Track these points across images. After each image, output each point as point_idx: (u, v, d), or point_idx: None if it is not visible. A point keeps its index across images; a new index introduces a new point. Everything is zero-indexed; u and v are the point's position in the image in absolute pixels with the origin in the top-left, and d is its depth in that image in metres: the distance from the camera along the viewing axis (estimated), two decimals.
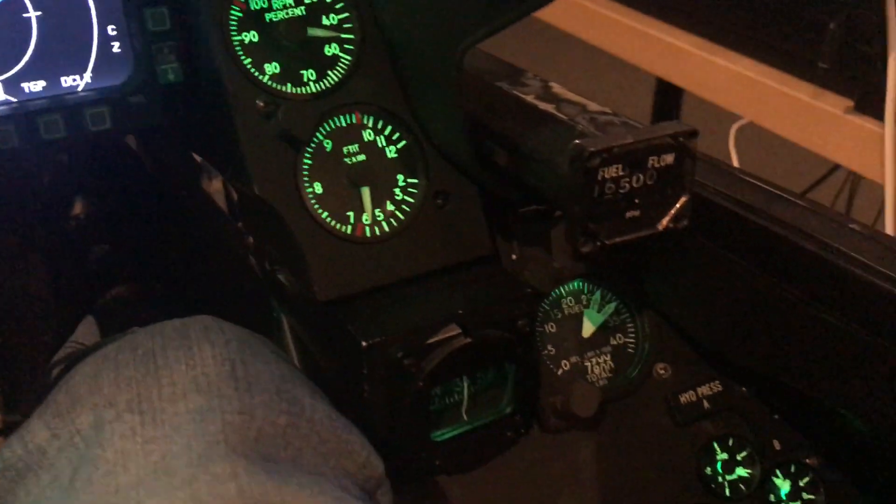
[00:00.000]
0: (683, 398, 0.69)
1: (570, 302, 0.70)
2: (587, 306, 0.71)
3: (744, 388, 0.69)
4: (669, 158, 0.53)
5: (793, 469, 0.68)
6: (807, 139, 1.14)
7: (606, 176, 0.52)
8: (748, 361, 0.66)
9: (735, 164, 1.47)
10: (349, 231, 0.60)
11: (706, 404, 0.69)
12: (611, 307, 0.71)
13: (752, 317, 0.62)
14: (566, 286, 0.70)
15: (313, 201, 0.60)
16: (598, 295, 0.71)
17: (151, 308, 1.00)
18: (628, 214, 0.54)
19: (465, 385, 0.61)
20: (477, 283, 0.62)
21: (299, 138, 0.58)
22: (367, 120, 0.62)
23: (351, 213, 0.61)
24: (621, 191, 0.53)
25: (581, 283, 0.70)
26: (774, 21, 1.16)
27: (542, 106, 0.58)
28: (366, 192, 0.61)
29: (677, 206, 0.55)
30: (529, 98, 0.59)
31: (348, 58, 0.61)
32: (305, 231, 0.59)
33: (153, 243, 0.94)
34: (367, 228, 0.61)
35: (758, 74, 1.17)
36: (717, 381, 0.70)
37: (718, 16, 1.24)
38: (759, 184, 0.62)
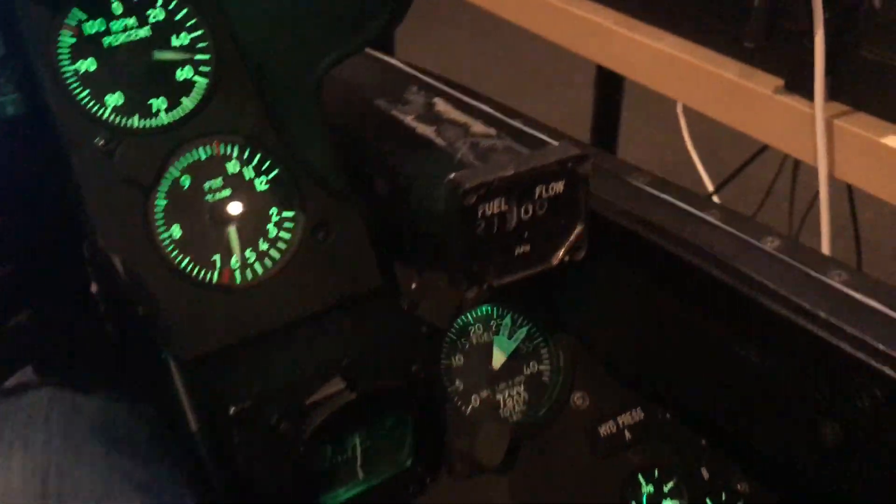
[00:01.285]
0: (603, 429, 0.64)
1: (479, 330, 0.65)
2: (497, 333, 0.65)
3: (668, 415, 0.65)
4: (559, 186, 0.48)
5: (724, 497, 0.64)
6: (738, 120, 1.09)
7: (488, 211, 0.46)
8: (667, 390, 0.61)
9: (684, 132, 1.43)
10: (215, 278, 0.54)
11: (628, 434, 0.64)
12: (522, 332, 0.65)
13: (665, 343, 0.57)
14: (473, 313, 0.64)
15: (171, 248, 0.53)
16: (508, 320, 0.65)
17: (54, 335, 0.93)
18: (518, 250, 0.48)
19: (357, 441, 0.55)
20: (365, 325, 0.56)
21: (142, 179, 0.51)
22: (230, 150, 0.55)
23: (217, 257, 0.54)
24: (508, 225, 0.47)
25: (489, 309, 0.65)
26: None
27: (421, 129, 0.51)
28: (233, 232, 0.54)
29: (572, 237, 0.49)
30: (409, 119, 0.53)
31: (204, 81, 0.54)
32: (163, 283, 0.52)
33: (56, 265, 0.87)
34: (237, 273, 0.54)
35: (685, 53, 1.11)
36: (639, 408, 0.65)
37: None
38: (669, 199, 0.57)
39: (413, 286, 0.62)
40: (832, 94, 0.96)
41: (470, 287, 0.47)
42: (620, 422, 0.65)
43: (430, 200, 0.47)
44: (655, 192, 0.58)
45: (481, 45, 2.84)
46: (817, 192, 1.46)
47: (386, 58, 0.72)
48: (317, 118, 0.48)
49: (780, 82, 1.02)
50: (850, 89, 0.96)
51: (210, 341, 0.53)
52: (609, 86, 1.70)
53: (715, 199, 1.62)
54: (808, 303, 0.47)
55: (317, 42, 0.46)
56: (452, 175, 0.45)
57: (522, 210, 0.47)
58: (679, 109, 1.38)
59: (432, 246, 0.52)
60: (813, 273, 0.50)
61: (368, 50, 0.74)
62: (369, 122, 0.54)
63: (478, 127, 0.51)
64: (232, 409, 0.50)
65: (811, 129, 0.99)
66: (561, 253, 0.49)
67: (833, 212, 1.00)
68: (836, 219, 0.99)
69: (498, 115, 0.63)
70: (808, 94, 0.97)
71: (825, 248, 1.02)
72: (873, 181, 0.96)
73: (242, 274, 0.55)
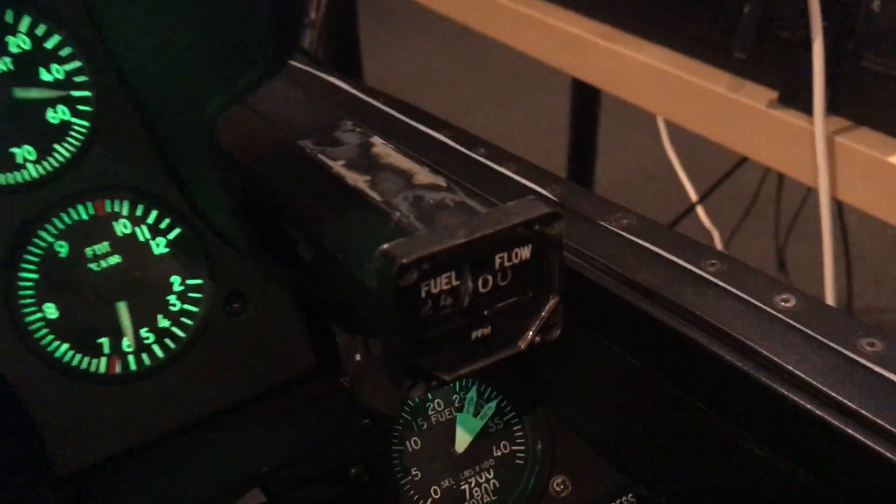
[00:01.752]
0: None
1: (438, 406, 0.54)
2: (461, 410, 0.55)
3: (662, 500, 0.54)
4: (525, 252, 0.37)
5: None
6: (728, 137, 1.00)
7: (434, 290, 0.36)
8: (662, 475, 0.51)
9: (664, 137, 1.34)
10: (102, 367, 0.43)
11: None
12: (491, 408, 0.55)
13: (660, 423, 0.47)
14: None
15: (43, 332, 0.42)
16: (473, 393, 0.55)
17: None
18: (476, 333, 0.38)
19: None
20: (293, 421, 0.45)
21: None
22: (119, 207, 0.44)
23: (104, 341, 0.43)
24: (461, 303, 0.37)
25: None
26: (684, 4, 1.01)
27: (352, 178, 0.41)
28: (123, 308, 0.44)
29: (544, 312, 0.39)
30: (338, 165, 0.42)
31: (84, 124, 0.43)
32: (33, 377, 0.41)
33: None
34: (130, 359, 0.44)
35: (667, 65, 1.02)
36: (631, 495, 0.54)
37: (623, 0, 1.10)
38: (658, 251, 0.46)
39: (357, 357, 0.52)
40: (831, 107, 0.87)
41: (413, 387, 0.36)
42: None
43: (361, 275, 0.37)
44: (641, 242, 0.48)
45: (457, 50, 2.75)
46: (804, 198, 1.37)
47: (327, 77, 0.61)
48: (213, 171, 0.38)
49: (773, 95, 0.93)
50: (852, 103, 0.87)
51: (94, 450, 0.42)
52: (586, 91, 1.61)
53: (699, 209, 1.53)
54: (837, 392, 0.37)
55: (202, 79, 0.35)
56: (385, 246, 0.34)
57: (480, 282, 0.37)
58: (660, 119, 1.30)
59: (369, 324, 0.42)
60: (839, 348, 0.40)
61: (309, 69, 0.64)
62: (291, 169, 0.44)
63: (423, 176, 0.41)
64: None
65: (809, 147, 0.90)
66: (531, 334, 0.39)
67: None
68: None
69: (455, 147, 0.53)
70: (805, 108, 0.89)
71: (827, 276, 0.93)
72: (879, 204, 0.87)
73: (137, 360, 0.44)
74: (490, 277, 0.37)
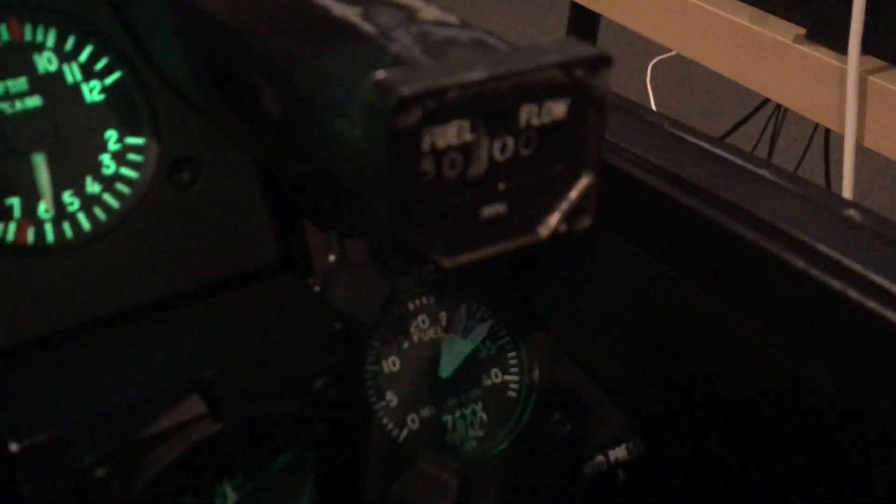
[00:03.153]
0: (590, 466, 0.46)
1: (422, 324, 0.46)
2: (447, 330, 0.47)
3: (676, 447, 0.47)
4: (559, 109, 0.29)
5: None
6: (747, 75, 0.93)
7: (439, 143, 0.27)
8: (681, 415, 0.44)
9: (652, 105, 1.28)
10: (10, 236, 0.34)
11: (622, 474, 0.47)
12: (482, 330, 0.47)
13: (688, 351, 0.39)
14: (414, 300, 0.46)
15: None
16: (462, 311, 0.47)
17: None
18: (486, 211, 0.30)
19: (229, 490, 0.36)
20: (246, 319, 0.37)
21: None
22: (43, 35, 0.35)
23: (14, 202, 0.35)
24: (472, 169, 0.28)
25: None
26: None
27: (339, 9, 0.32)
28: (41, 163, 0.35)
29: (573, 193, 0.31)
30: None
31: None
32: None
33: None
34: (48, 227, 0.35)
35: None
36: (639, 440, 0.47)
37: None
38: (707, 146, 0.38)
39: (330, 258, 0.44)
40: (865, 46, 0.80)
41: (404, 269, 0.28)
42: (613, 457, 0.47)
43: (343, 121, 0.28)
44: (683, 136, 0.40)
45: (441, 4, 2.65)
46: (803, 156, 1.29)
47: None
48: None
49: (800, 31, 0.86)
50: (889, 40, 0.80)
51: None
52: (582, 32, 1.53)
53: None
54: None
55: None
56: (380, 74, 0.26)
57: (497, 146, 0.29)
58: (648, 81, 1.24)
59: (350, 198, 0.33)
60: None
61: None
62: (261, 2, 0.34)
63: (430, 12, 0.32)
64: (15, 446, 0.31)
65: (838, 88, 0.83)
66: (555, 219, 0.31)
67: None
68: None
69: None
70: (836, 45, 0.81)
71: None
72: None
73: (56, 230, 0.35)
74: (511, 140, 0.29)
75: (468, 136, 0.28)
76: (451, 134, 0.27)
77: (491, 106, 0.28)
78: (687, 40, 0.99)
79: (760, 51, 0.89)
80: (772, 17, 0.90)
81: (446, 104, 0.26)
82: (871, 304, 0.30)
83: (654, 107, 1.26)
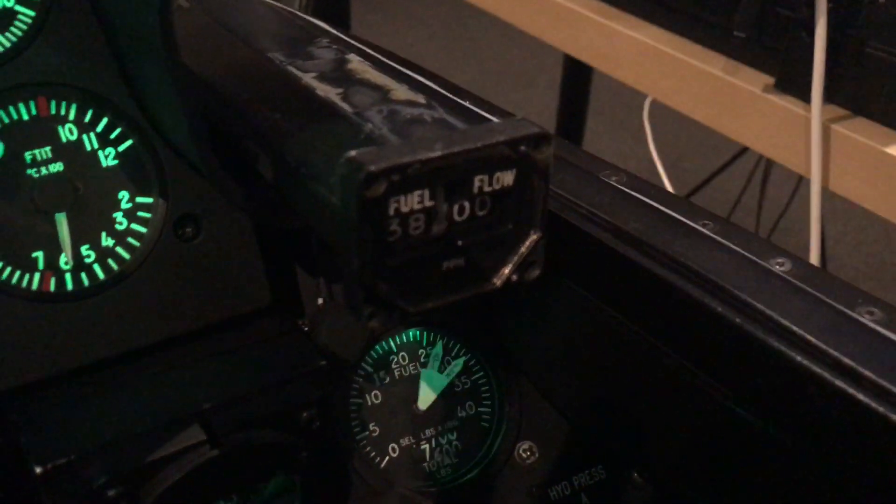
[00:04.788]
0: (554, 491, 0.51)
1: (403, 360, 0.51)
2: (425, 365, 0.51)
3: (636, 475, 0.51)
4: (507, 178, 0.34)
5: None
6: (720, 122, 0.97)
7: (404, 208, 0.32)
8: (638, 445, 0.48)
9: (649, 140, 1.32)
10: (34, 284, 0.39)
11: (585, 499, 0.51)
12: (457, 365, 0.52)
13: (639, 388, 0.44)
14: (395, 338, 0.50)
15: None
16: (439, 348, 0.51)
17: None
18: (446, 264, 0.34)
19: None
20: (241, 357, 0.41)
21: None
22: (66, 109, 0.40)
23: (39, 255, 0.40)
24: (433, 229, 0.33)
25: (417, 333, 0.51)
26: None
27: (323, 90, 0.37)
28: (63, 221, 0.40)
29: (523, 248, 0.35)
30: (308, 77, 0.39)
31: (28, 13, 0.39)
32: None
33: None
34: (67, 277, 0.40)
35: (664, 45, 0.99)
36: (600, 467, 0.51)
37: None
38: (650, 202, 0.43)
39: (319, 301, 0.48)
40: (829, 95, 0.85)
41: (373, 316, 0.33)
42: (576, 482, 0.51)
43: (323, 189, 0.33)
44: (634, 193, 0.45)
45: (447, 42, 2.71)
46: (784, 209, 1.34)
47: (302, 16, 0.57)
48: (170, 73, 0.34)
49: (770, 80, 0.91)
50: (851, 91, 0.84)
51: (19, 371, 0.38)
52: (575, 89, 1.59)
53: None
54: (839, 350, 0.34)
55: None
56: (352, 153, 0.31)
57: (455, 209, 0.33)
58: (645, 117, 1.28)
59: (331, 251, 0.38)
60: (839, 306, 0.37)
61: (284, 7, 0.60)
62: (256, 80, 0.40)
63: (401, 92, 0.37)
64: (39, 469, 0.35)
65: (805, 135, 0.87)
66: (507, 270, 0.35)
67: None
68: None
69: (436, 87, 0.49)
70: (802, 95, 0.86)
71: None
72: (875, 197, 0.84)
73: (74, 279, 0.40)
74: (467, 204, 0.34)
75: (429, 202, 0.33)
76: (413, 201, 0.32)
77: (448, 177, 0.33)
78: (665, 89, 1.03)
79: (733, 99, 0.94)
80: (745, 68, 0.94)
81: (408, 177, 0.31)
82: (778, 345, 0.34)
83: (650, 143, 1.30)
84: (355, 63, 0.40)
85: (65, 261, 0.40)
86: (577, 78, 1.57)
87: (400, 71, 0.45)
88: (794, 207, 1.40)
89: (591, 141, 1.82)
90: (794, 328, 0.35)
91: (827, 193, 0.85)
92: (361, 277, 0.32)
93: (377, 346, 0.50)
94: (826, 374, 0.32)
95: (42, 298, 0.39)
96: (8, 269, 0.39)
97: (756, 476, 0.39)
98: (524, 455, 0.51)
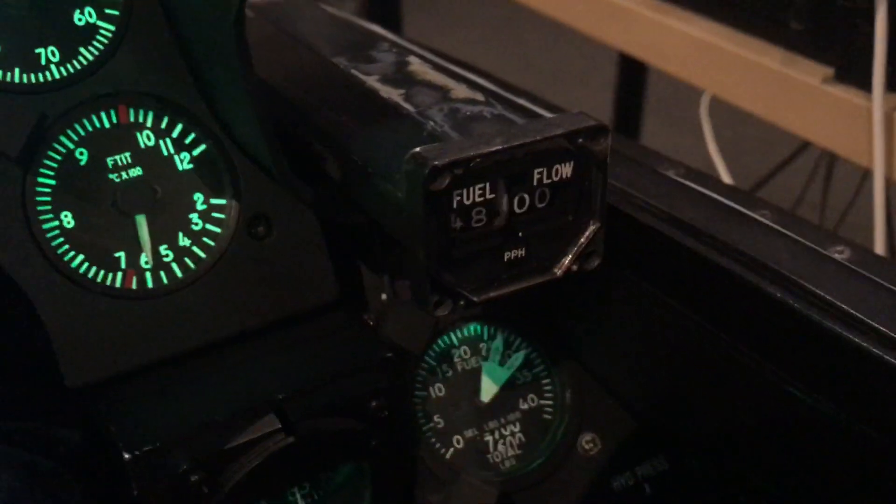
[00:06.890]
0: (617, 482, 0.51)
1: (465, 353, 0.52)
2: (487, 359, 0.52)
3: (698, 466, 0.51)
4: (566, 170, 0.35)
5: None
6: (778, 115, 0.96)
7: (467, 200, 0.33)
8: (698, 435, 0.48)
9: (707, 135, 1.31)
10: (118, 282, 0.42)
11: (648, 489, 0.51)
12: (518, 358, 0.53)
13: (700, 378, 0.44)
14: (457, 332, 0.52)
15: (59, 240, 0.41)
16: (499, 342, 0.52)
17: None
18: (509, 255, 0.36)
19: (298, 497, 0.43)
20: (313, 349, 0.43)
21: (10, 149, 0.39)
22: (143, 117, 0.42)
23: (121, 255, 0.42)
24: (495, 221, 0.35)
25: (478, 328, 0.52)
26: None
27: (386, 92, 0.39)
28: (143, 222, 0.42)
29: (583, 239, 0.36)
30: (371, 80, 0.40)
31: (109, 27, 0.42)
32: (45, 287, 0.40)
33: None
34: (148, 275, 0.42)
35: (719, 39, 0.99)
36: (662, 457, 0.52)
37: None
38: (710, 194, 0.44)
39: (383, 297, 0.50)
40: (891, 84, 0.83)
41: (439, 305, 0.34)
42: (639, 473, 0.52)
43: (389, 185, 0.34)
44: (692, 185, 0.45)
45: (498, 44, 2.72)
46: (849, 203, 1.31)
47: (360, 21, 0.59)
48: (242, 81, 0.36)
49: (829, 72, 0.89)
50: None
51: (105, 365, 0.40)
52: (630, 88, 1.58)
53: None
54: None
55: None
56: (417, 150, 0.32)
57: (516, 201, 0.35)
58: (703, 111, 1.26)
59: (398, 246, 0.39)
60: None
61: (341, 13, 0.62)
62: (322, 84, 0.41)
63: (460, 91, 0.39)
64: (127, 455, 0.37)
65: (866, 126, 0.86)
66: (567, 260, 0.36)
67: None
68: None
69: (493, 87, 0.50)
70: (863, 84, 0.85)
71: None
72: None
73: (154, 277, 0.42)
74: (527, 196, 0.35)
75: (490, 195, 0.34)
76: (475, 193, 0.33)
77: (508, 170, 0.34)
78: (721, 83, 1.03)
79: (791, 92, 0.92)
80: (802, 59, 0.93)
81: (470, 170, 0.32)
82: (849, 334, 0.34)
83: (708, 139, 1.28)
84: (415, 65, 0.42)
85: (145, 260, 0.42)
86: (631, 76, 1.57)
87: (457, 72, 0.46)
88: (861, 204, 1.37)
89: (647, 139, 1.80)
90: (853, 311, 0.35)
91: (891, 184, 0.83)
92: (427, 268, 0.33)
93: (439, 341, 0.51)
94: (889, 358, 0.33)
95: (125, 296, 0.41)
96: (93, 269, 0.41)
97: (823, 466, 0.39)
98: (587, 446, 0.52)
